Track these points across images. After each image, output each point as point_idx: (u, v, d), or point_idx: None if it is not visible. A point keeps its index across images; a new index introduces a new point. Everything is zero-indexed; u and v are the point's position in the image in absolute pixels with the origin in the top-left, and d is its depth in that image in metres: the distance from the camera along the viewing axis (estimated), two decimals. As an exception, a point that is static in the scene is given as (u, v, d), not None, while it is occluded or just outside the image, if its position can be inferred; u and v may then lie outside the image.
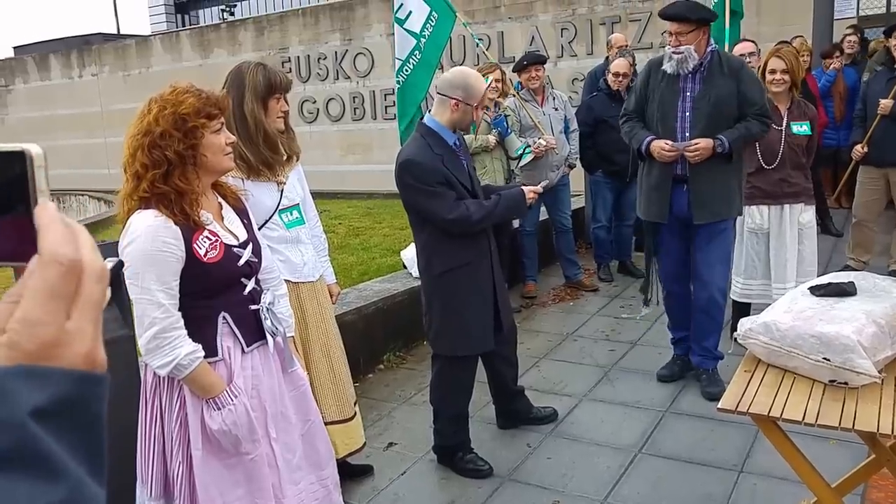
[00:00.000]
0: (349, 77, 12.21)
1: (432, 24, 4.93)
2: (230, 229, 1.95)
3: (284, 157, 2.55)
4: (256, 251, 2.00)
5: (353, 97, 12.21)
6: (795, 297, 2.41)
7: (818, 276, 4.38)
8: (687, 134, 3.34)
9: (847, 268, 5.09)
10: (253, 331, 1.98)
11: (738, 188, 3.48)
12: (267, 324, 2.00)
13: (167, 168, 1.79)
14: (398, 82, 5.16)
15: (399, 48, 5.04)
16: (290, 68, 12.70)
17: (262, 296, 2.02)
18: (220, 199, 1.99)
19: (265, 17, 13.69)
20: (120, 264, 1.45)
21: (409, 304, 4.17)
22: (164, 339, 1.81)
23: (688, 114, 3.35)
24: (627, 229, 5.65)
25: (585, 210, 6.33)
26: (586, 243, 6.34)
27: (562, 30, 10.27)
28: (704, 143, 3.26)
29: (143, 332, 1.82)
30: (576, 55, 10.19)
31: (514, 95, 5.01)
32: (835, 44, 6.92)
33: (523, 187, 2.89)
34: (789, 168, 3.70)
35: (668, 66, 3.35)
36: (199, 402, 1.88)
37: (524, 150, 4.62)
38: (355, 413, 2.80)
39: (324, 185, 11.89)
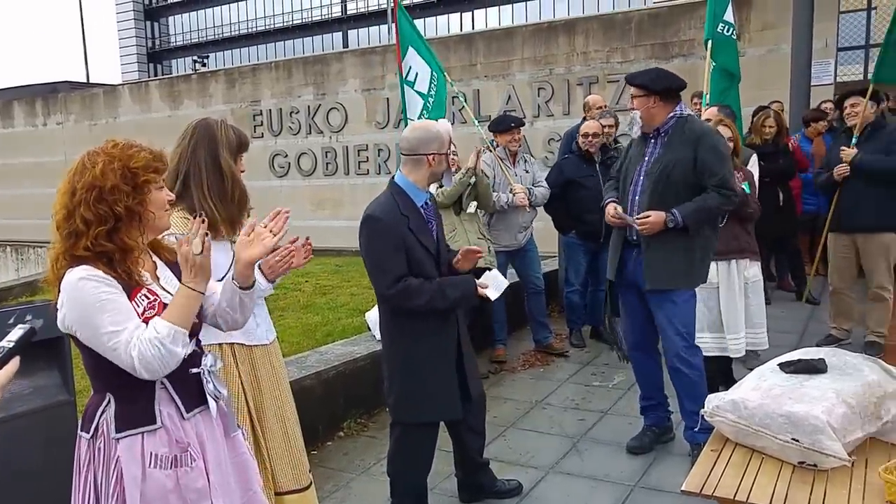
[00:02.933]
0: (322, 132, 12.26)
1: (435, 84, 5.30)
2: (167, 289, 1.88)
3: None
4: (198, 311, 1.90)
5: (326, 152, 12.24)
6: (764, 374, 2.36)
7: (795, 346, 4.42)
8: (637, 198, 3.36)
9: (830, 337, 5.05)
10: (193, 395, 1.88)
11: (699, 260, 3.37)
12: (209, 387, 1.91)
13: (114, 224, 1.74)
14: None
15: (410, 109, 5.40)
16: (262, 121, 12.73)
17: (203, 358, 1.93)
18: (155, 258, 1.94)
19: (237, 69, 13.76)
20: (31, 332, 1.34)
21: (372, 369, 4.05)
22: (154, 348, 1.70)
23: (641, 178, 3.38)
24: (602, 294, 5.59)
25: (559, 272, 6.29)
26: (559, 307, 6.27)
27: (538, 89, 10.44)
28: (655, 217, 3.22)
29: (133, 366, 1.70)
30: (552, 115, 10.33)
31: (489, 150, 5.11)
32: (820, 109, 6.97)
33: (477, 281, 2.83)
34: (734, 225, 3.89)
35: (633, 131, 3.45)
36: (138, 472, 1.76)
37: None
38: (311, 482, 2.67)
39: (292, 240, 11.77)
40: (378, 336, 3.98)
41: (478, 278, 2.91)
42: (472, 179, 4.61)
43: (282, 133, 12.61)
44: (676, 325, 3.36)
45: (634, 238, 3.41)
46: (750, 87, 8.28)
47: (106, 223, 1.73)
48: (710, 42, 5.79)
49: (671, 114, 3.32)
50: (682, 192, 3.25)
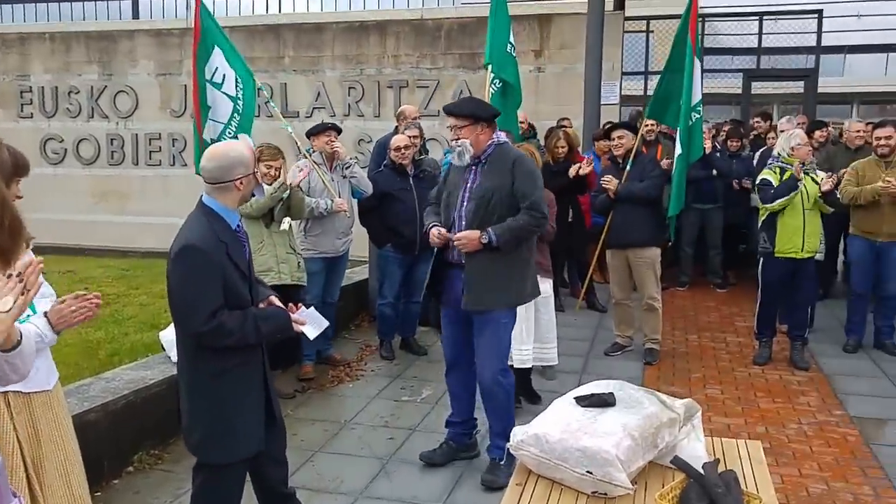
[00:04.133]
0: (107, 116, 11.05)
1: (241, 88, 5.14)
2: None
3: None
4: None
5: (112, 139, 11.05)
6: (564, 407, 2.53)
7: (587, 352, 4.71)
8: (463, 223, 3.47)
9: (616, 344, 5.59)
10: None
11: (518, 280, 3.49)
12: None
13: None
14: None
15: (215, 111, 5.18)
16: (32, 99, 11.19)
17: None
18: None
19: (0, 35, 11.87)
20: None
21: (168, 395, 3.74)
22: None
23: (465, 204, 3.50)
24: (415, 306, 5.61)
25: (370, 282, 6.26)
26: (369, 316, 6.26)
27: (349, 88, 10.28)
28: (468, 234, 3.38)
29: None
30: (363, 115, 10.23)
31: (305, 157, 5.02)
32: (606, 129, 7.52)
33: (292, 315, 2.75)
34: None
35: (451, 158, 3.58)
36: None
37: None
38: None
39: (69, 237, 10.39)
40: (174, 359, 3.68)
41: (289, 299, 2.84)
42: (286, 194, 4.46)
43: (57, 115, 11.15)
44: (495, 347, 3.49)
45: (456, 258, 3.51)
46: (548, 103, 8.88)
47: None
48: (490, 65, 6.07)
49: (490, 140, 3.48)
50: (505, 214, 3.42)
